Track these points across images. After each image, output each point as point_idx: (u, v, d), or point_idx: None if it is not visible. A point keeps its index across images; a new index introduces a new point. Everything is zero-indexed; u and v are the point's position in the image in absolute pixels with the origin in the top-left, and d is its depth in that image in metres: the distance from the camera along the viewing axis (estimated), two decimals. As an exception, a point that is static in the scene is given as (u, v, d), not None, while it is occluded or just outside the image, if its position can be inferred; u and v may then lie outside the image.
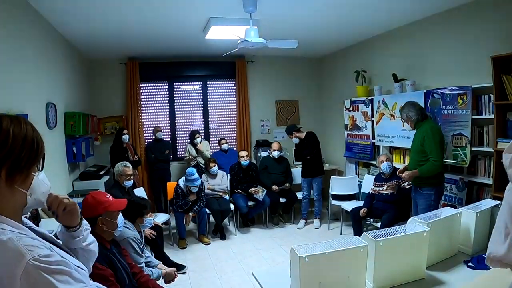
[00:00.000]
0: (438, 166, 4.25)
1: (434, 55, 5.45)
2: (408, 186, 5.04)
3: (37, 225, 1.40)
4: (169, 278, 3.35)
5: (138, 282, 2.78)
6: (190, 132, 7.58)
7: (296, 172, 7.11)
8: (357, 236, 2.29)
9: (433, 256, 2.55)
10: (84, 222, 1.47)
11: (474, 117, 4.64)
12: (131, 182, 5.15)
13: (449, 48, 5.18)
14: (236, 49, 5.04)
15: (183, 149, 7.22)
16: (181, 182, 6.05)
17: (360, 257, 2.17)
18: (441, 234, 2.61)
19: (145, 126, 7.89)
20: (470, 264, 2.61)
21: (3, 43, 3.52)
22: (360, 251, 2.15)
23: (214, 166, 6.58)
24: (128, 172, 5.04)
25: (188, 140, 7.62)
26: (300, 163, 6.97)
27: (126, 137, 6.68)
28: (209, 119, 8.39)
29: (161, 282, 3.27)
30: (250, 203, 6.58)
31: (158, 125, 7.61)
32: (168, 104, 8.11)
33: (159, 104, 8.11)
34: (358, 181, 6.65)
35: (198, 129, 7.82)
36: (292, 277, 2.22)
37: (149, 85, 7.99)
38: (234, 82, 8.27)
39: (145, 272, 3.03)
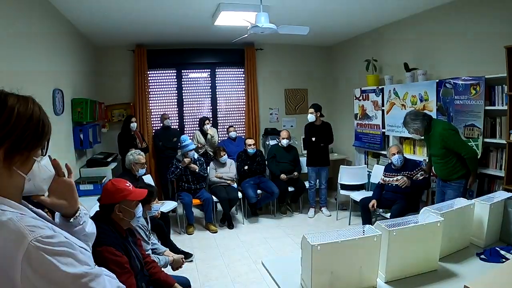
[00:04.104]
0: (475, 156, 4.37)
1: (447, 44, 5.35)
2: (422, 177, 4.98)
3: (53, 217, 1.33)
4: (176, 265, 3.33)
5: (149, 272, 2.76)
6: (199, 119, 7.54)
7: (305, 161, 7.03)
8: (369, 225, 2.25)
9: (445, 247, 2.52)
10: (81, 207, 1.38)
11: (487, 108, 4.56)
12: (144, 170, 5.18)
13: (463, 37, 5.08)
14: (247, 35, 4.97)
15: (191, 137, 7.20)
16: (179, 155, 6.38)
17: (373, 247, 2.14)
18: (454, 225, 2.57)
19: (153, 113, 7.85)
20: (482, 256, 2.58)
21: (11, 29, 3.50)
22: (374, 240, 2.12)
23: (224, 155, 6.56)
24: (142, 161, 5.11)
25: (197, 128, 7.59)
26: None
27: (134, 125, 6.68)
28: (217, 107, 8.35)
29: (168, 269, 3.26)
30: (259, 192, 6.56)
31: (166, 113, 7.58)
32: (176, 92, 8.06)
33: (167, 92, 8.08)
34: (367, 171, 6.59)
35: (207, 116, 7.78)
36: (303, 266, 2.18)
37: (157, 72, 7.94)
38: (243, 69, 8.21)
39: (152, 259, 3.01)
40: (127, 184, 2.56)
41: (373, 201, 5.19)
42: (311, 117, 6.56)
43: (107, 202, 2.49)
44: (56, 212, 1.37)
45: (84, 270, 1.07)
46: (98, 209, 2.57)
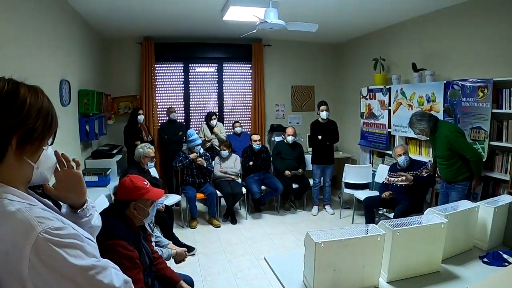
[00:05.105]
0: (480, 159, 4.34)
1: (455, 46, 5.33)
2: (426, 174, 4.97)
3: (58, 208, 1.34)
4: (179, 258, 3.34)
5: (156, 268, 2.77)
6: (206, 113, 7.58)
7: (310, 158, 7.01)
8: (373, 224, 2.25)
9: (448, 249, 2.51)
10: (89, 200, 1.40)
11: (494, 110, 4.53)
12: (153, 164, 5.21)
13: (471, 39, 5.06)
14: (255, 30, 4.97)
15: (197, 130, 7.21)
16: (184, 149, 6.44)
17: (376, 246, 2.14)
18: (458, 227, 2.56)
19: (159, 106, 7.86)
20: (485, 259, 2.57)
21: (19, 19, 3.51)
22: (377, 239, 2.12)
23: (225, 150, 6.57)
24: (151, 154, 5.14)
25: (203, 122, 7.62)
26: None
27: (141, 118, 6.69)
28: (224, 102, 8.35)
29: (171, 262, 3.26)
30: (263, 188, 6.57)
31: (172, 106, 7.58)
32: (183, 85, 8.06)
33: (173, 85, 8.07)
34: (372, 170, 6.58)
35: (214, 111, 7.81)
36: (306, 263, 2.19)
37: (164, 65, 7.94)
38: (250, 65, 8.20)
39: (159, 255, 3.02)
40: (145, 183, 2.56)
41: (388, 192, 5.19)
42: (325, 114, 6.55)
43: (123, 198, 2.49)
44: (63, 204, 1.38)
45: (92, 263, 1.07)
46: (113, 202, 2.58)
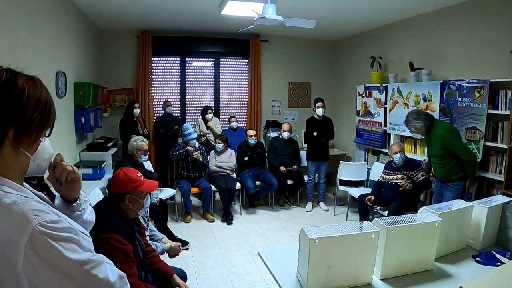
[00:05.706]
0: (474, 160, 4.35)
1: (453, 46, 5.34)
2: (422, 177, 4.98)
3: (51, 199, 1.33)
4: (173, 253, 3.33)
5: (149, 261, 2.77)
6: (202, 108, 7.55)
7: (305, 155, 7.01)
8: (368, 222, 2.25)
9: (442, 248, 2.53)
10: (83, 194, 1.40)
11: (489, 111, 4.55)
12: (147, 157, 5.17)
13: (469, 40, 5.07)
14: (253, 25, 4.95)
15: (193, 125, 7.20)
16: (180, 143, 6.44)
17: (370, 243, 2.14)
18: (451, 226, 2.57)
19: (155, 100, 7.83)
20: (478, 259, 2.58)
21: (16, 9, 3.48)
22: (371, 237, 2.13)
23: (220, 143, 6.55)
24: (145, 147, 5.08)
25: (199, 116, 7.61)
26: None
27: (137, 111, 6.65)
28: (220, 97, 8.33)
29: (165, 256, 3.26)
30: (258, 184, 6.58)
31: (168, 100, 7.56)
32: (179, 79, 8.03)
33: (170, 79, 8.04)
34: (367, 168, 6.60)
35: (209, 105, 7.80)
36: (300, 259, 2.19)
37: (161, 59, 7.91)
38: (247, 60, 8.18)
39: (152, 248, 3.02)
40: (139, 175, 2.56)
41: (371, 196, 5.20)
42: (321, 111, 6.55)
43: (118, 191, 2.48)
44: (57, 195, 1.38)
45: (88, 257, 1.06)
46: (107, 196, 2.57)
